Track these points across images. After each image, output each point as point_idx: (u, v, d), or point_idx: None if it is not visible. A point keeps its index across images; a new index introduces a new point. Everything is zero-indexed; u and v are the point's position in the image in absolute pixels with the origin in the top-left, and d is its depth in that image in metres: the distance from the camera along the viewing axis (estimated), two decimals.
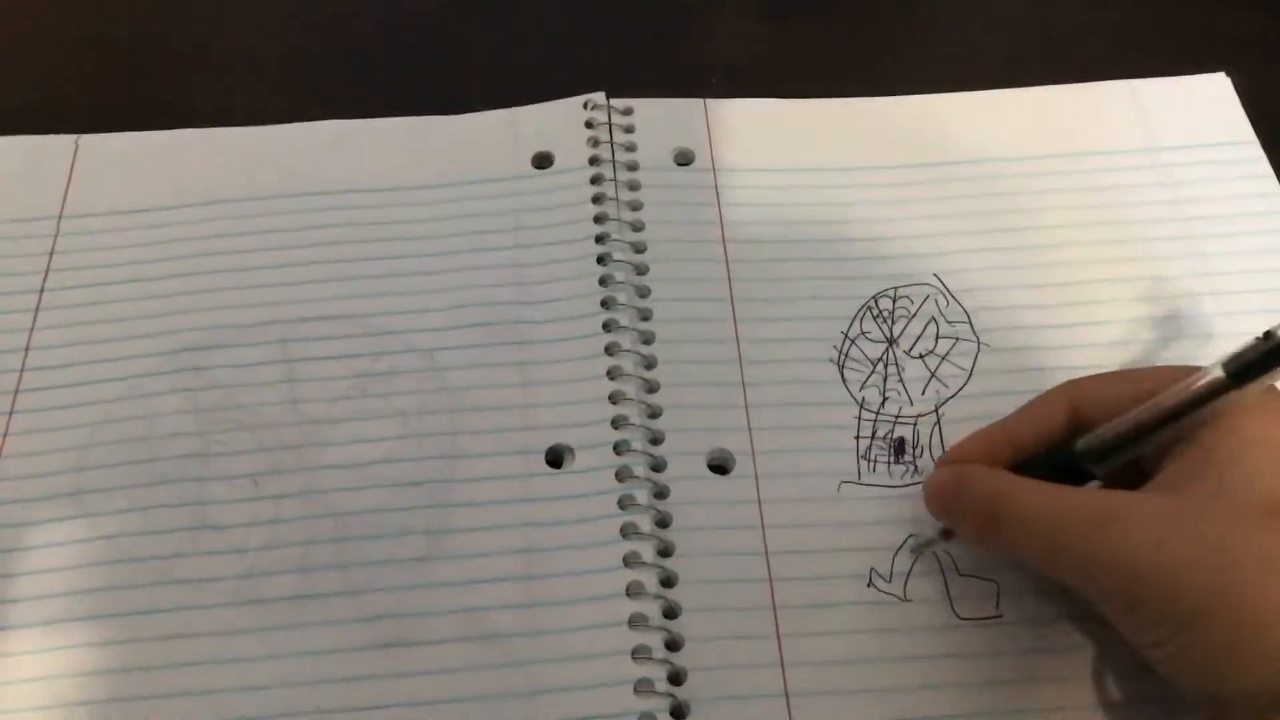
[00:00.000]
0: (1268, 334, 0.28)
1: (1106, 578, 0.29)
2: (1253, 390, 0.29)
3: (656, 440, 0.37)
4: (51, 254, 0.41)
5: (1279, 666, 0.27)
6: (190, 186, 0.42)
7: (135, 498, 0.36)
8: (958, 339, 0.40)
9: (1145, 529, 0.28)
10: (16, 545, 0.35)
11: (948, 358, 0.39)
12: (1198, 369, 0.30)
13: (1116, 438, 0.31)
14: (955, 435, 0.37)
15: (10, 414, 0.38)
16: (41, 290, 0.40)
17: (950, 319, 0.40)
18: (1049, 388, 0.38)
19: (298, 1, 0.50)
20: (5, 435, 0.37)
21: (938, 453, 0.37)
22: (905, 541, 0.36)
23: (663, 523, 0.35)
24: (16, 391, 0.38)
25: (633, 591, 0.34)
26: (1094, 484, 0.32)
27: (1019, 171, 0.43)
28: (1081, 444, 0.32)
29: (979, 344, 0.39)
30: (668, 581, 0.35)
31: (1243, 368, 0.29)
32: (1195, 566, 0.27)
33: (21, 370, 0.39)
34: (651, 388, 0.38)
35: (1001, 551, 0.34)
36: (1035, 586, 0.35)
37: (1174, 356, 0.39)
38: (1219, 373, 0.29)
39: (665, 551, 0.35)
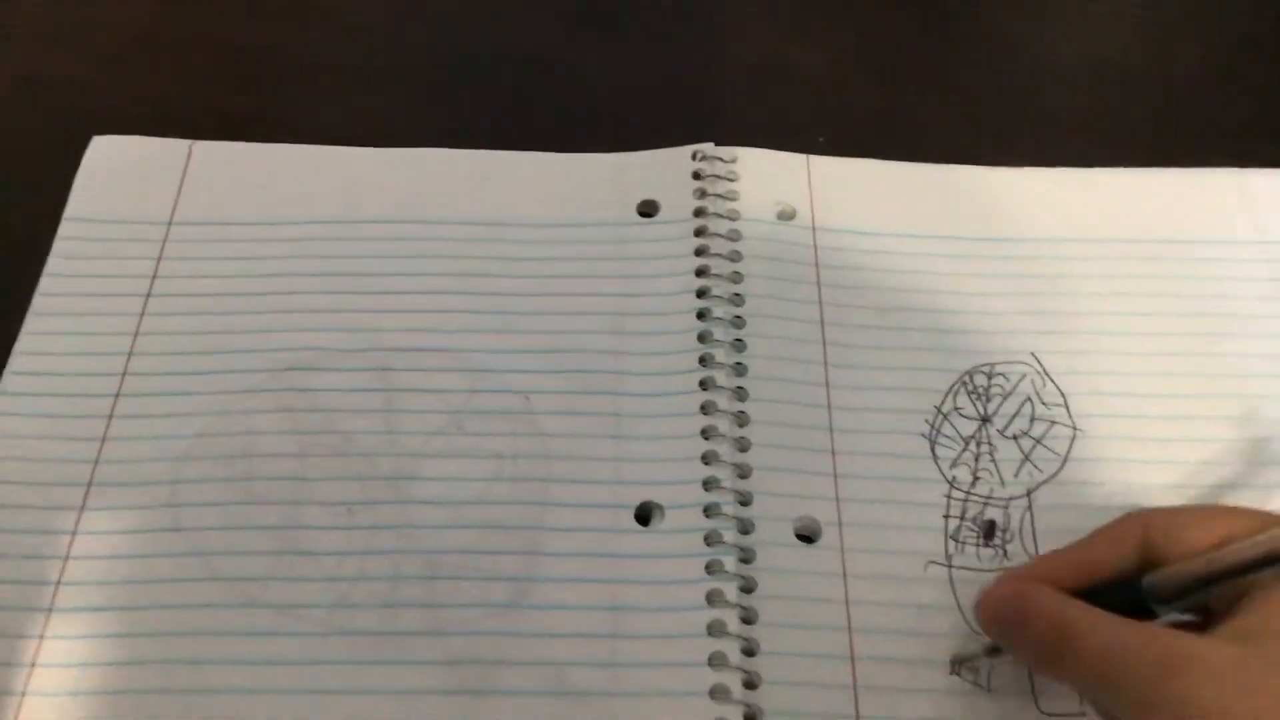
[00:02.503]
0: None
1: None
2: None
3: (745, 501, 0.37)
4: (159, 259, 0.41)
5: None
6: (302, 203, 0.42)
7: (230, 516, 0.36)
8: (1053, 422, 0.39)
9: (1214, 681, 0.27)
10: (108, 553, 0.35)
11: (1042, 441, 0.39)
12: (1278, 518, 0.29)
13: (1185, 583, 0.29)
14: (1048, 521, 0.37)
15: (110, 418, 0.38)
16: (148, 295, 0.40)
17: (1047, 401, 0.40)
18: (1145, 482, 0.37)
19: (417, 23, 0.50)
20: (104, 440, 0.37)
21: (1028, 539, 0.37)
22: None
23: (747, 588, 0.35)
24: (118, 395, 0.38)
25: (715, 661, 0.34)
26: (1161, 620, 0.30)
27: (1123, 254, 0.43)
28: (1148, 582, 0.30)
29: (1075, 429, 0.39)
30: (749, 651, 0.34)
31: None
32: None
33: (124, 374, 0.39)
34: (743, 447, 0.38)
35: (1058, 681, 0.32)
36: None
37: (1265, 483, 0.38)
38: None
39: (748, 619, 0.35)
